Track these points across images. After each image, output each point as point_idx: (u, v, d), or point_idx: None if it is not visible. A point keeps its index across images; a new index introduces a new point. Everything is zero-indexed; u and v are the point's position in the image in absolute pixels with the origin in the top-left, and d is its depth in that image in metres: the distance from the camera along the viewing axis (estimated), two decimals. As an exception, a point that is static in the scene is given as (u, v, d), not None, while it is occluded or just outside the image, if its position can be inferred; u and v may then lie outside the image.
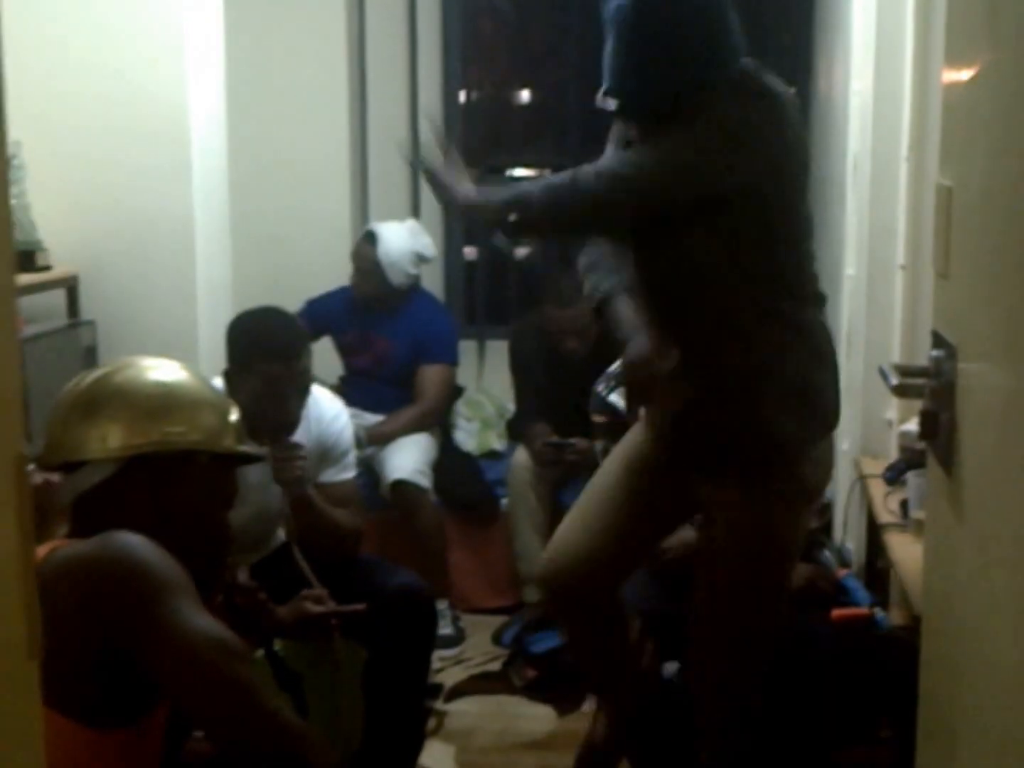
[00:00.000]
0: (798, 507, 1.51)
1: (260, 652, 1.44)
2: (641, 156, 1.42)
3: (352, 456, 2.03)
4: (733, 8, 1.44)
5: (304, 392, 1.89)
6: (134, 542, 1.04)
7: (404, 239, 2.75)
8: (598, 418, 2.06)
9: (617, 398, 2.03)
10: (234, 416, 1.25)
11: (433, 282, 3.23)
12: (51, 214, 2.25)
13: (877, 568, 2.18)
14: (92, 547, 1.04)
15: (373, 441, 2.70)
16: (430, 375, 2.76)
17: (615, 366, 2.08)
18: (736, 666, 1.59)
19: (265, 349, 1.82)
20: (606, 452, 2.05)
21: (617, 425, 2.00)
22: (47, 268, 2.26)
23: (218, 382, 1.89)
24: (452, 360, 2.83)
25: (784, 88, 1.51)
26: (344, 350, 2.85)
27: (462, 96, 3.43)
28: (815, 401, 1.47)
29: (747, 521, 1.49)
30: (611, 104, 1.41)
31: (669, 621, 1.74)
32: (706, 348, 1.46)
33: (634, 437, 1.65)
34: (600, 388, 2.06)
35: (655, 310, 1.49)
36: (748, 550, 1.50)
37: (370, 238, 2.74)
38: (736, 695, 1.61)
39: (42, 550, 1.05)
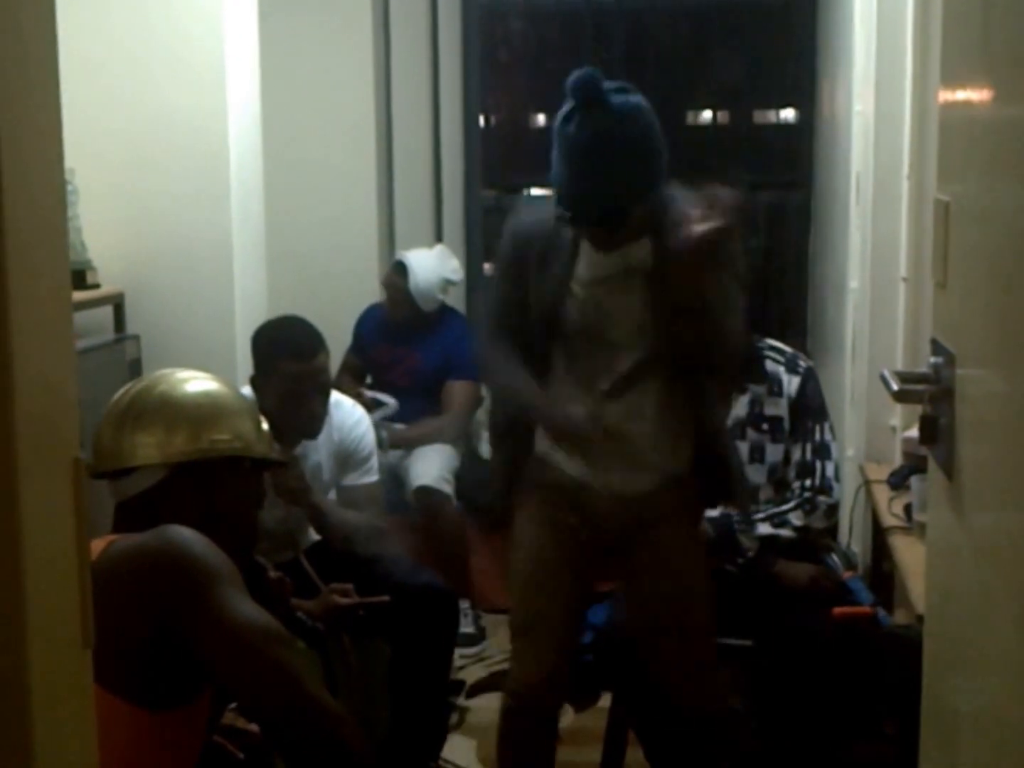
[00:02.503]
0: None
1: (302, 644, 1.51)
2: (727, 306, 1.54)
3: (374, 460, 2.09)
4: None
5: (325, 392, 1.96)
6: (188, 535, 1.09)
7: (433, 267, 2.83)
8: None
9: None
10: (265, 424, 1.33)
11: (455, 297, 3.33)
12: (100, 236, 2.35)
13: (882, 570, 2.18)
14: (149, 539, 1.09)
15: (395, 444, 2.77)
16: (456, 390, 2.84)
17: None
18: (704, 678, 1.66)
19: (285, 350, 1.92)
20: None
21: None
22: (96, 286, 2.34)
23: (246, 391, 1.98)
24: (478, 377, 2.94)
25: None
26: (375, 364, 2.94)
27: (482, 120, 3.56)
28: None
29: (684, 540, 1.64)
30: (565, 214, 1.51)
31: (733, 653, 1.81)
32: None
33: (532, 530, 1.67)
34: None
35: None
36: (690, 562, 1.64)
37: (400, 268, 2.83)
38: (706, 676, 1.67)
39: (99, 543, 1.11)
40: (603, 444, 1.59)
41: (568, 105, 1.50)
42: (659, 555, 1.64)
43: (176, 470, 1.21)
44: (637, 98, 1.52)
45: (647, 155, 1.51)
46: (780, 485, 2.08)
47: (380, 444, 2.71)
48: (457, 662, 2.48)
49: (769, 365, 2.08)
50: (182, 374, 1.30)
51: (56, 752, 0.66)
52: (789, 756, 1.84)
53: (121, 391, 1.28)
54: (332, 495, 2.07)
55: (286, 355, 1.92)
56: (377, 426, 2.70)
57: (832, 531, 2.23)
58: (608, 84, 1.50)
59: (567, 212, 1.52)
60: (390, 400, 2.81)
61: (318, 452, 2.03)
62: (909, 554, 1.74)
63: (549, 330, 1.60)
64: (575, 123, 1.48)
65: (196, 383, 1.28)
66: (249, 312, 2.47)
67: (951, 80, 1.03)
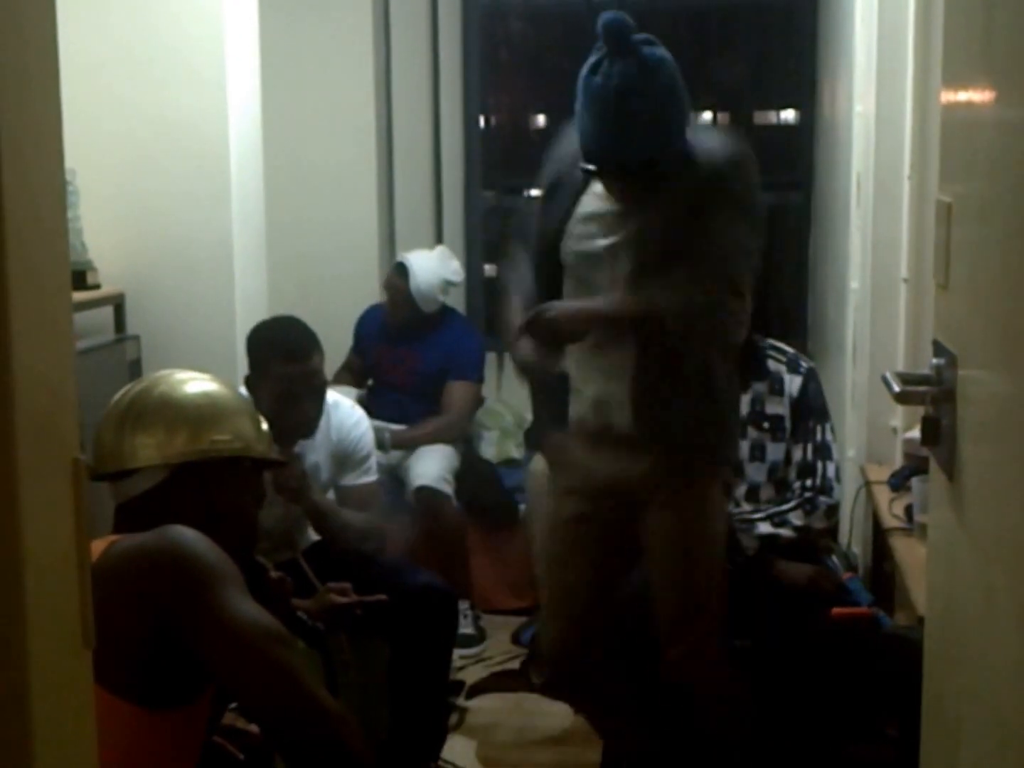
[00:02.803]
0: (726, 491, 1.72)
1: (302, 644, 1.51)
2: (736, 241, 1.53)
3: (373, 460, 2.09)
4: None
5: (319, 393, 1.97)
6: (190, 535, 1.10)
7: (433, 269, 2.84)
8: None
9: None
10: (264, 424, 1.33)
11: (455, 297, 3.34)
12: (100, 236, 2.35)
13: (883, 571, 2.18)
14: (150, 539, 1.10)
15: (397, 445, 2.78)
16: (457, 391, 2.84)
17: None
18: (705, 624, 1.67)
19: (279, 351, 1.92)
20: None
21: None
22: (96, 287, 2.35)
23: (242, 391, 1.97)
24: (478, 378, 2.92)
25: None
26: (375, 364, 2.95)
27: (482, 121, 3.55)
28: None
29: (694, 507, 1.63)
30: (590, 166, 1.52)
31: (742, 656, 1.80)
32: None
33: (556, 500, 1.72)
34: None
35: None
36: (699, 530, 1.63)
37: (401, 270, 2.83)
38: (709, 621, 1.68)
39: (100, 544, 1.11)
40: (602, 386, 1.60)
41: (596, 54, 1.49)
42: (667, 517, 1.64)
43: (177, 471, 1.22)
44: (663, 51, 1.50)
45: (673, 108, 1.50)
46: (780, 485, 2.08)
47: (383, 445, 2.72)
48: (457, 663, 2.49)
49: (771, 364, 2.08)
50: (181, 375, 1.30)
51: (56, 752, 0.66)
52: (789, 757, 1.84)
53: (120, 392, 1.29)
54: (331, 495, 2.07)
55: (279, 356, 1.93)
56: (379, 428, 2.71)
57: (832, 532, 2.23)
58: (635, 36, 1.49)
59: (589, 164, 1.51)
60: (387, 427, 2.80)
61: (316, 452, 2.03)
62: (910, 555, 1.75)
63: (551, 262, 1.61)
64: (603, 72, 1.47)
65: (195, 384, 1.28)
66: (249, 313, 2.47)
67: (953, 81, 1.03)
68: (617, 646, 1.75)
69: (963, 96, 0.98)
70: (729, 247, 1.54)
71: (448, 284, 2.89)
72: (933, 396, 1.00)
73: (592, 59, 1.50)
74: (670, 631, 1.66)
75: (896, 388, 1.03)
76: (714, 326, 1.57)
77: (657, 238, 1.53)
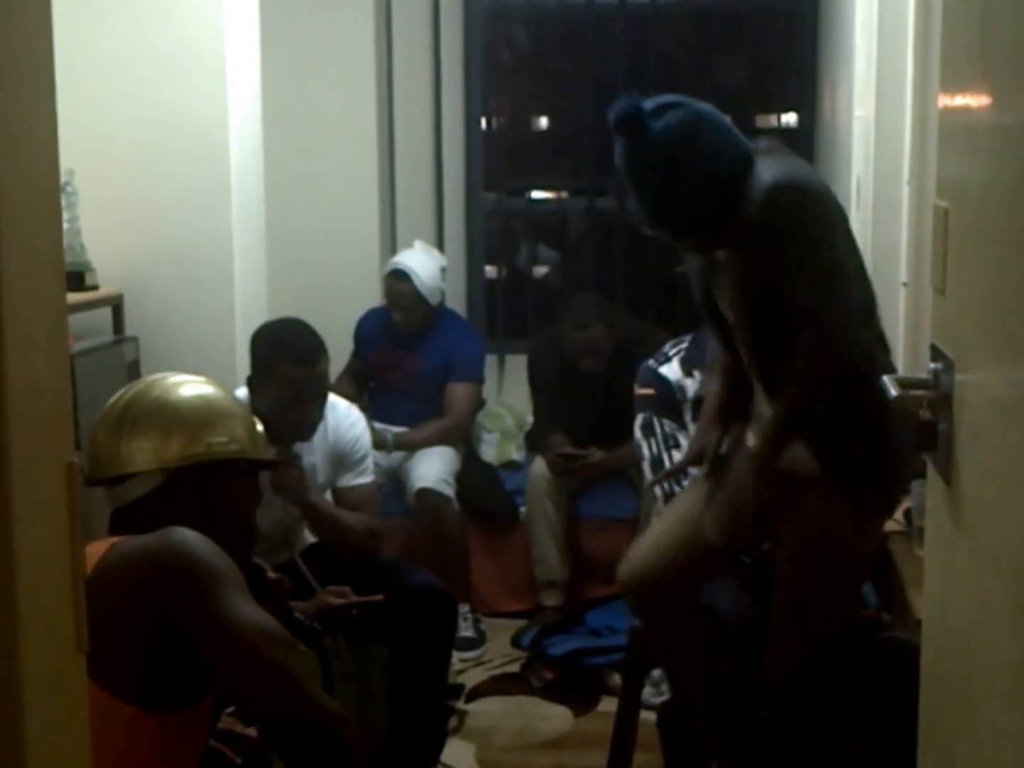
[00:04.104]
0: (878, 518, 1.62)
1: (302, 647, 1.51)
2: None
3: (369, 461, 2.09)
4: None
5: (323, 396, 1.97)
6: (192, 536, 1.10)
7: (427, 262, 2.85)
8: (644, 391, 2.13)
9: (667, 370, 2.12)
10: (259, 425, 1.34)
11: (456, 299, 3.34)
12: (99, 237, 2.35)
13: (884, 574, 2.22)
14: (152, 540, 1.10)
15: (399, 446, 2.78)
16: (458, 392, 2.85)
17: (669, 344, 2.19)
18: (805, 664, 1.65)
19: (287, 354, 1.91)
20: (646, 425, 2.13)
21: (662, 398, 2.08)
22: (95, 288, 2.35)
23: (242, 391, 1.98)
24: (479, 379, 2.92)
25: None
26: (375, 367, 2.95)
27: (483, 123, 3.55)
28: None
29: (828, 529, 1.58)
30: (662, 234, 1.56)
31: (757, 625, 1.79)
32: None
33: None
34: (651, 363, 2.15)
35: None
36: (826, 557, 1.59)
37: (400, 275, 2.82)
38: (802, 688, 1.67)
39: (101, 545, 1.12)
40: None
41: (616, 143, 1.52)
42: (790, 531, 1.62)
43: (173, 474, 1.22)
44: (680, 115, 1.49)
45: (675, 177, 1.50)
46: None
47: (385, 445, 2.72)
48: (457, 666, 2.49)
49: None
50: (176, 378, 1.30)
51: (49, 756, 0.66)
52: (789, 758, 1.83)
53: (115, 397, 1.28)
54: (328, 497, 2.07)
55: (288, 360, 1.92)
56: (381, 429, 2.71)
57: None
58: (652, 103, 1.50)
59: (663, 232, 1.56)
60: (388, 430, 2.80)
61: (313, 454, 2.03)
62: (909, 559, 1.75)
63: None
64: (616, 151, 1.52)
65: (190, 387, 1.28)
66: (249, 315, 2.48)
67: (950, 86, 1.03)
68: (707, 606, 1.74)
69: (960, 102, 0.98)
70: (802, 286, 1.48)
71: (443, 271, 2.90)
72: (930, 401, 1.00)
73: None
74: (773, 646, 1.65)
75: (893, 392, 1.03)
76: (849, 366, 1.51)
77: (737, 292, 1.54)
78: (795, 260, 1.48)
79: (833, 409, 1.53)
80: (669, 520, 1.76)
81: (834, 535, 1.58)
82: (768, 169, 1.50)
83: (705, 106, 1.54)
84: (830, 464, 1.56)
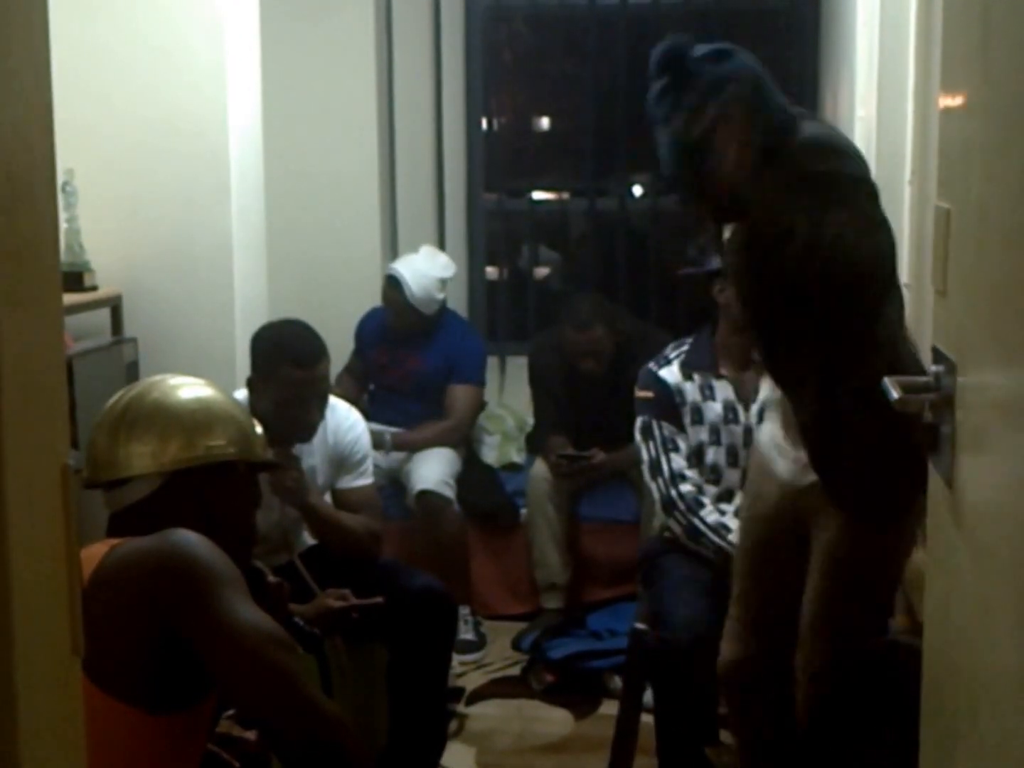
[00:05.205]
0: (911, 535, 1.62)
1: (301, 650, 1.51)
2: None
3: (369, 463, 2.09)
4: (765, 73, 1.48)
5: (324, 398, 1.97)
6: (193, 538, 1.10)
7: (424, 271, 2.83)
8: (643, 394, 2.12)
9: (667, 374, 2.11)
10: (258, 427, 1.33)
11: (457, 300, 3.33)
12: (98, 238, 2.35)
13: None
14: (153, 542, 1.10)
15: (398, 447, 2.78)
16: (459, 394, 2.84)
17: (670, 347, 2.18)
18: (835, 665, 1.64)
19: (289, 356, 1.91)
20: (646, 428, 2.12)
21: (661, 401, 2.07)
22: (93, 288, 2.35)
23: (242, 392, 1.98)
24: (480, 381, 2.92)
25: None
26: (375, 367, 2.94)
27: (484, 123, 3.54)
28: None
29: (856, 555, 1.57)
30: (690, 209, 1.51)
31: None
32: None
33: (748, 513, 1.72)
34: (651, 366, 2.15)
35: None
36: (852, 580, 1.59)
37: (393, 282, 2.82)
38: (825, 687, 1.66)
39: (101, 547, 1.12)
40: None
41: (654, 83, 1.46)
42: (820, 549, 1.61)
43: (172, 478, 1.22)
44: (724, 68, 1.44)
45: (748, 123, 1.42)
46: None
47: (383, 445, 2.72)
48: (457, 669, 2.49)
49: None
50: (174, 380, 1.30)
51: (44, 760, 0.66)
52: (789, 759, 1.83)
53: (113, 399, 1.28)
54: (327, 498, 2.07)
55: (289, 361, 1.92)
56: (380, 430, 2.70)
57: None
58: (700, 50, 1.44)
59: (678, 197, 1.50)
60: (387, 430, 2.79)
61: (312, 456, 2.03)
62: (911, 561, 1.73)
63: None
64: (656, 100, 1.44)
65: (188, 389, 1.28)
66: (249, 315, 2.48)
67: (951, 87, 1.03)
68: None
69: (961, 102, 0.98)
70: (849, 238, 1.40)
71: (442, 282, 2.88)
72: (932, 403, 1.00)
73: (653, 89, 1.48)
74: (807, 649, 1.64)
75: (895, 394, 1.02)
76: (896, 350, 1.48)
77: (760, 259, 1.47)
78: (840, 203, 1.41)
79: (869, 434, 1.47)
80: (740, 603, 1.71)
81: (862, 560, 1.59)
82: (814, 127, 1.48)
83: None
84: (856, 492, 1.55)
